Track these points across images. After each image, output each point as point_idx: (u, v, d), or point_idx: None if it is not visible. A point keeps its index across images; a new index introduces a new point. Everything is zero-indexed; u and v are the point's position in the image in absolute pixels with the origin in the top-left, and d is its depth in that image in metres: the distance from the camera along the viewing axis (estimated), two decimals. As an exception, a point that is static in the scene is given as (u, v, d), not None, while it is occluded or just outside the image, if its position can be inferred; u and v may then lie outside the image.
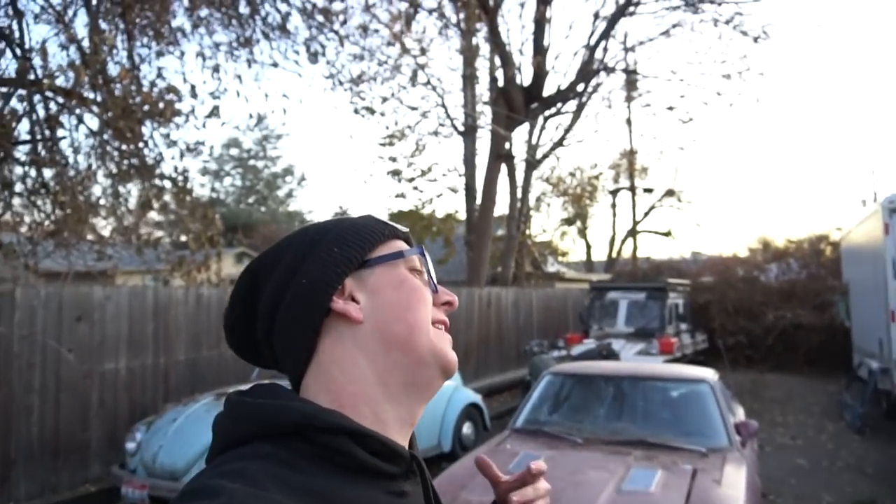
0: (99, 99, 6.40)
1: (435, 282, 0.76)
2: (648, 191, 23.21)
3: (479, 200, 13.53)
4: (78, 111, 6.62)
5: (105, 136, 6.90)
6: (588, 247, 27.39)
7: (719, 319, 14.15)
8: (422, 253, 0.77)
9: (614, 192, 24.51)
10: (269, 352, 0.74)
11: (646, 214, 23.49)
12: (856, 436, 7.76)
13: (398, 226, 0.79)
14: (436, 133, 15.09)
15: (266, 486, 0.56)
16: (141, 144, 6.98)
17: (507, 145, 13.38)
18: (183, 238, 8.94)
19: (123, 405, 6.09)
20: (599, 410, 4.25)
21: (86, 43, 6.19)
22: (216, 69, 7.54)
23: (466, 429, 6.84)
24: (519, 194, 14.34)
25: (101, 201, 7.98)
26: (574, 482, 3.06)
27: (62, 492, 5.49)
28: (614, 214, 24.78)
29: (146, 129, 6.97)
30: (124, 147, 6.93)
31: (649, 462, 3.36)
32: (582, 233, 26.92)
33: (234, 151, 34.36)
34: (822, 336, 13.03)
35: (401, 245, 0.77)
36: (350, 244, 0.72)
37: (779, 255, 16.42)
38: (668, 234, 24.07)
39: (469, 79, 14.06)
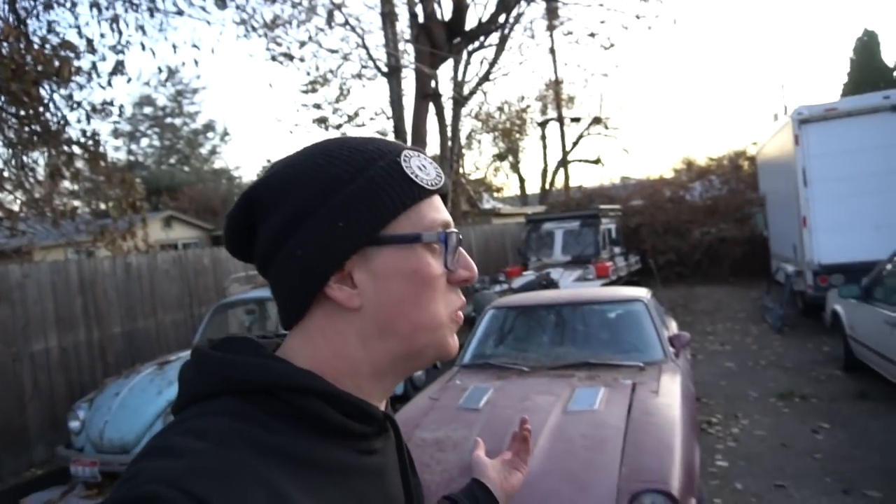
0: (-16, 62, 5.84)
1: (455, 260, 0.67)
2: (576, 120, 23.48)
3: (409, 142, 13.34)
4: (-38, 76, 6.03)
5: (-2, 102, 6.34)
6: (521, 181, 27.71)
7: (650, 240, 14.77)
8: (444, 240, 0.66)
9: (543, 124, 24.65)
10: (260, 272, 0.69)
11: (575, 144, 23.85)
12: (776, 335, 8.39)
13: (430, 178, 0.67)
14: (359, 76, 14.63)
15: (233, 444, 0.54)
16: (41, 109, 6.47)
17: (432, 84, 13.14)
18: (102, 206, 8.47)
19: (60, 385, 5.87)
20: (543, 338, 4.41)
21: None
22: (115, 20, 6.97)
23: (417, 369, 6.98)
24: (449, 133, 14.21)
25: (5, 173, 7.41)
26: (522, 409, 3.19)
27: (6, 478, 5.31)
28: (544, 146, 25.00)
29: (44, 92, 6.45)
30: (22, 112, 6.41)
31: (592, 381, 3.53)
32: (514, 167, 27.14)
33: (147, 110, 32.37)
34: (744, 247, 13.84)
35: (427, 210, 0.66)
36: (361, 217, 0.62)
37: (702, 174, 17.10)
38: (597, 161, 24.56)
39: (388, 16, 13.58)
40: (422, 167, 0.67)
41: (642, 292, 4.68)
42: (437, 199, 0.68)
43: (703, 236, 14.46)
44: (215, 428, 0.56)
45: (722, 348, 7.99)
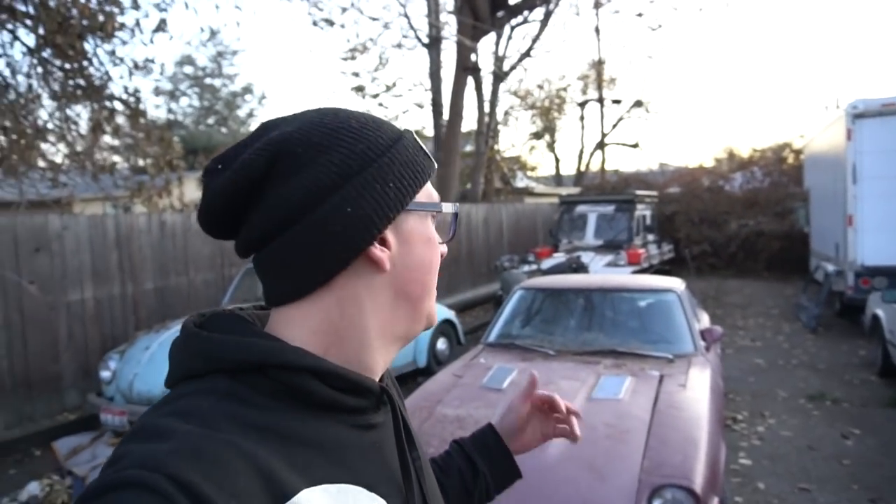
0: (32, 12, 5.91)
1: (452, 235, 0.75)
2: (617, 102, 23.00)
3: (446, 116, 13.22)
4: (10, 26, 6.12)
5: (45, 54, 6.43)
6: (557, 161, 27.37)
7: (685, 229, 14.47)
8: (455, 214, 0.74)
9: (582, 105, 24.22)
10: (254, 245, 0.63)
11: (614, 126, 23.42)
12: (810, 335, 8.17)
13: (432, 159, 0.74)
14: (399, 45, 14.55)
15: (221, 426, 0.53)
16: (85, 63, 6.54)
17: (473, 57, 12.95)
18: (141, 163, 8.60)
19: (93, 335, 6.02)
20: (570, 322, 4.35)
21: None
22: (160, -23, 6.99)
23: (441, 344, 6.99)
24: (486, 108, 14.05)
25: (49, 125, 7.56)
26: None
27: (39, 420, 5.51)
28: (583, 127, 24.73)
29: (88, 46, 6.51)
30: (67, 66, 6.49)
31: (618, 370, 3.47)
32: (550, 146, 26.77)
33: (188, 70, 32.57)
34: (781, 242, 13.48)
35: (430, 185, 0.71)
36: (405, 182, 0.65)
37: (743, 165, 16.67)
38: (636, 145, 24.11)
39: (432, -15, 13.37)
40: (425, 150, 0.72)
41: (676, 283, 4.57)
42: None
43: (741, 228, 14.11)
44: (201, 409, 0.55)
45: (752, 344, 7.83)
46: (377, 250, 0.63)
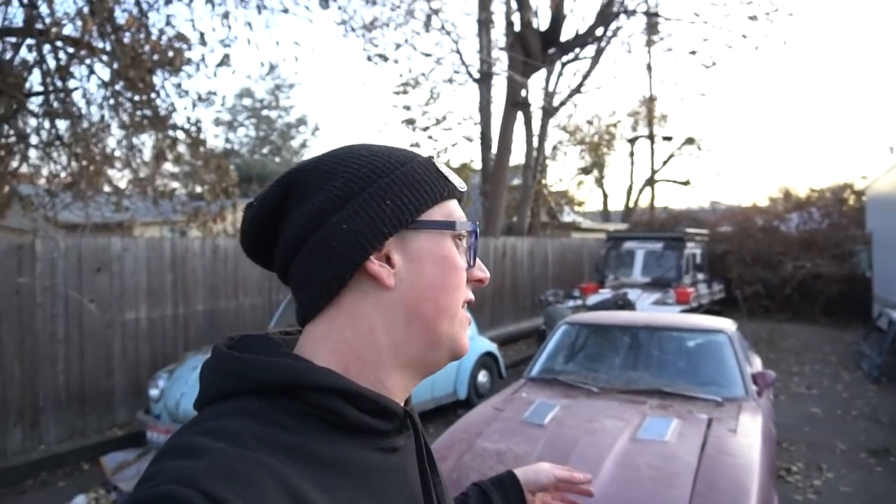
0: (108, 48, 6.30)
1: (475, 257, 0.71)
2: (668, 139, 22.73)
3: (494, 149, 13.33)
4: (88, 61, 6.54)
5: (117, 87, 6.83)
6: (605, 196, 27.10)
7: (737, 269, 14.03)
8: (475, 231, 0.71)
9: (632, 141, 24.04)
10: (283, 269, 0.69)
11: (664, 163, 23.13)
12: (871, 385, 7.75)
13: (458, 181, 0.72)
14: (450, 80, 14.80)
15: (251, 445, 0.55)
16: (153, 95, 6.91)
17: (523, 92, 13.07)
18: (198, 189, 8.96)
19: (145, 354, 6.22)
20: (615, 360, 4.25)
21: (92, -11, 6.05)
22: (226, 16, 7.37)
23: (482, 377, 6.93)
24: (535, 143, 14.10)
25: (116, 153, 7.97)
26: (590, 430, 3.08)
27: (90, 435, 5.68)
28: (632, 163, 24.38)
29: (157, 79, 6.89)
30: (136, 97, 6.87)
31: (665, 411, 3.36)
32: (599, 182, 26.59)
33: (246, 101, 34.02)
34: (840, 286, 12.90)
35: (454, 207, 0.70)
36: (405, 199, 0.65)
37: (800, 205, 16.13)
38: (686, 183, 23.71)
39: (484, 23, 13.65)
40: (451, 171, 0.72)
41: (727, 323, 4.43)
42: (457, 203, 0.72)
43: (797, 270, 13.57)
44: (233, 428, 0.56)
45: (808, 392, 7.47)
46: (375, 265, 0.64)
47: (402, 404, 0.70)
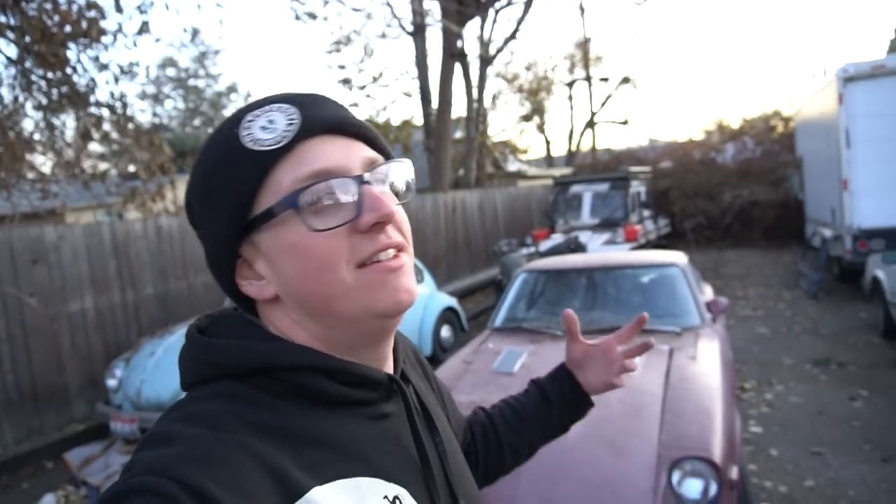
0: (13, 23, 5.82)
1: (363, 205, 0.59)
2: (604, 80, 22.95)
3: (434, 103, 13.14)
4: (-9, 38, 6.04)
5: (27, 64, 6.35)
6: (547, 142, 27.29)
7: (679, 203, 14.47)
8: (295, 199, 0.57)
9: (570, 84, 24.15)
10: None
11: (602, 104, 23.36)
12: (811, 301, 8.21)
13: (289, 127, 0.58)
14: (383, 35, 14.38)
15: (230, 427, 0.54)
16: (69, 70, 6.46)
17: (459, 43, 12.85)
18: (131, 168, 8.54)
19: (97, 345, 6.00)
20: (575, 303, 4.34)
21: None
22: (139, -21, 6.89)
23: (445, 332, 6.99)
24: (475, 94, 13.97)
25: (36, 136, 7.48)
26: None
27: (49, 433, 5.49)
28: (571, 107, 24.63)
29: (72, 53, 6.44)
30: (50, 75, 6.41)
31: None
32: (540, 128, 26.69)
33: (171, 72, 32.29)
34: (777, 211, 13.50)
35: (287, 171, 0.58)
36: (219, 212, 0.60)
37: (734, 135, 16.63)
38: (625, 122, 24.12)
39: (413, -28, 13.24)
40: (266, 125, 0.59)
41: (678, 256, 4.57)
42: (308, 147, 0.59)
43: (735, 199, 14.11)
44: (210, 412, 0.56)
45: (754, 313, 7.86)
46: (246, 286, 0.63)
47: (393, 370, 0.70)
